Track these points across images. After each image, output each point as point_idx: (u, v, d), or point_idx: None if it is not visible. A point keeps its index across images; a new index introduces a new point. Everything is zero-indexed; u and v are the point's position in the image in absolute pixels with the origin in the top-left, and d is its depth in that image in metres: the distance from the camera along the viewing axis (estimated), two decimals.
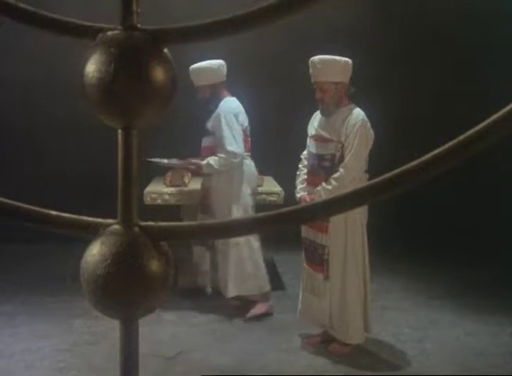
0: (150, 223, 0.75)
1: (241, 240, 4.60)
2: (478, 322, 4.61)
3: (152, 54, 0.71)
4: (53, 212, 0.77)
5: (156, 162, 5.03)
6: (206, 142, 4.81)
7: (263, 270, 4.73)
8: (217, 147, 4.66)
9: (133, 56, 0.70)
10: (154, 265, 0.73)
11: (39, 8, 0.74)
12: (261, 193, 5.07)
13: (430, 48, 6.70)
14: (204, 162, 4.67)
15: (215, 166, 4.63)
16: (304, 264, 4.17)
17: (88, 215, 0.78)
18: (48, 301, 4.98)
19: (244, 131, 4.73)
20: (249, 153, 4.80)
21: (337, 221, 3.84)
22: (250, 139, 4.83)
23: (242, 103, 4.79)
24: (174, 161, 5.09)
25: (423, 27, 6.63)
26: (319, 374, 3.82)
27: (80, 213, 0.78)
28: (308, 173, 4.13)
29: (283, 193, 5.04)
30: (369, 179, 3.82)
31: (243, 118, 4.74)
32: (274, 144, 5.89)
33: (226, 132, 4.62)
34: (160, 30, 0.72)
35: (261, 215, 0.74)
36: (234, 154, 4.60)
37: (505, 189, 6.30)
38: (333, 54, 4.00)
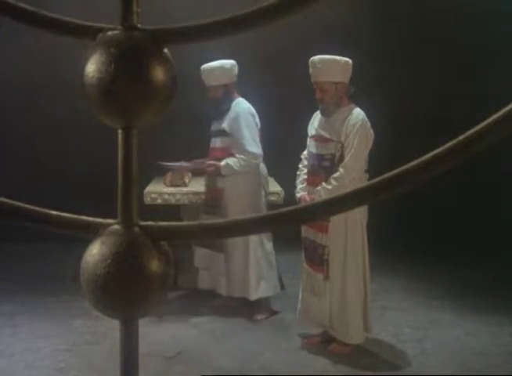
0: (150, 223, 0.75)
1: (256, 241, 4.59)
2: (478, 322, 4.61)
3: (152, 54, 0.71)
4: (53, 212, 0.77)
5: (171, 165, 4.99)
6: (219, 143, 4.72)
7: (275, 271, 4.76)
8: (233, 148, 4.61)
9: (133, 56, 0.70)
10: (154, 265, 0.73)
11: (39, 8, 0.74)
12: None
13: (430, 48, 6.70)
14: (223, 163, 4.59)
15: (235, 167, 4.57)
16: (304, 264, 4.17)
17: (88, 215, 0.78)
18: (48, 301, 4.98)
19: (259, 131, 4.72)
20: None
21: (337, 221, 3.84)
22: None
23: None
24: (185, 164, 5.01)
25: (423, 27, 6.63)
26: (319, 374, 3.82)
27: (80, 213, 0.78)
28: (308, 173, 4.13)
29: (283, 193, 5.04)
30: (369, 179, 3.82)
31: (257, 119, 4.72)
32: (274, 144, 5.89)
33: (246, 133, 4.59)
34: (160, 30, 0.72)
35: (261, 215, 0.74)
36: (255, 155, 4.58)
37: (505, 189, 6.30)
38: (333, 54, 4.00)
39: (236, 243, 4.62)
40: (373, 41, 6.48)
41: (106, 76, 0.69)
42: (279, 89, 5.91)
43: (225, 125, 4.66)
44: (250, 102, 4.77)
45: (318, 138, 4.08)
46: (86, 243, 0.75)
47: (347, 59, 3.98)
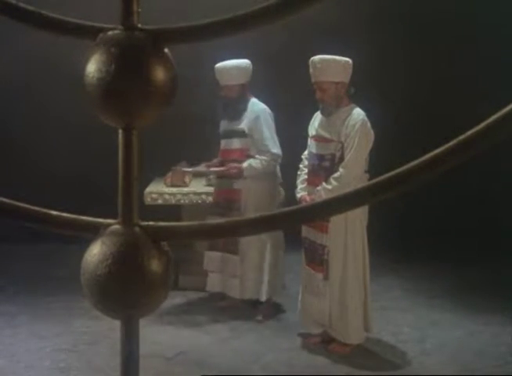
0: (151, 223, 0.75)
1: (271, 243, 4.59)
2: (479, 322, 4.60)
3: (152, 54, 0.71)
4: (53, 212, 0.77)
5: (192, 170, 4.91)
6: (237, 144, 4.62)
7: (281, 272, 4.79)
8: (251, 149, 4.56)
9: (133, 56, 0.71)
10: (154, 265, 0.73)
11: (39, 8, 0.74)
12: None
13: (430, 48, 6.70)
14: (245, 165, 4.52)
15: (258, 169, 4.52)
16: (304, 264, 4.17)
17: (88, 215, 0.78)
18: (48, 301, 4.98)
19: None
20: None
21: (337, 221, 3.84)
22: None
23: None
24: (200, 167, 4.89)
25: (424, 26, 6.63)
26: (319, 374, 3.82)
27: (80, 213, 0.78)
28: (309, 173, 4.13)
29: (283, 192, 5.04)
30: (369, 179, 3.82)
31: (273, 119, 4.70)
32: None
33: (267, 134, 4.56)
34: (160, 30, 0.72)
35: (261, 215, 0.74)
36: (277, 156, 4.55)
37: (505, 188, 6.30)
38: (334, 54, 4.00)
39: (251, 245, 4.58)
40: (373, 41, 6.48)
41: (106, 76, 0.70)
42: (280, 90, 5.91)
43: (243, 126, 4.57)
44: None
45: (318, 138, 4.08)
46: (86, 243, 0.75)
47: (347, 59, 3.99)
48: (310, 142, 4.19)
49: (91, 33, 0.72)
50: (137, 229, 0.74)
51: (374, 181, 0.65)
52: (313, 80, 4.01)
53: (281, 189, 5.04)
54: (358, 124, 3.90)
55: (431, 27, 6.61)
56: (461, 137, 0.60)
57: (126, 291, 0.73)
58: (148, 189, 5.12)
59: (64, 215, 0.77)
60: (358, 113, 3.96)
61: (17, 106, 6.69)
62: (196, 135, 6.27)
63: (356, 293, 3.96)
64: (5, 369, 3.85)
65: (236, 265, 4.65)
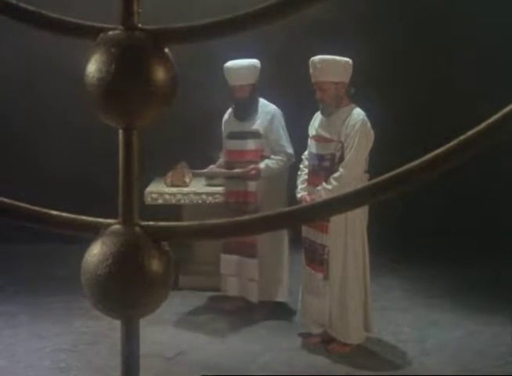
0: (151, 223, 0.75)
1: (286, 245, 4.59)
2: (479, 322, 4.60)
3: (152, 54, 0.71)
4: (53, 212, 0.77)
5: (210, 173, 4.81)
6: (252, 145, 4.56)
7: None
8: (265, 150, 4.53)
9: (134, 56, 0.71)
10: (155, 265, 0.73)
11: (39, 8, 0.74)
12: None
13: (431, 47, 6.70)
14: (262, 166, 4.48)
15: (275, 169, 4.50)
16: (305, 264, 4.17)
17: (88, 215, 0.78)
18: (48, 301, 4.98)
19: None
20: None
21: (337, 221, 3.84)
22: None
23: None
24: (219, 170, 4.77)
25: (424, 26, 6.63)
26: (319, 374, 3.82)
27: (80, 213, 0.78)
28: (309, 173, 4.14)
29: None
30: (369, 179, 3.82)
31: None
32: None
33: (282, 135, 4.55)
34: (160, 30, 0.72)
35: (261, 215, 0.74)
36: (292, 156, 4.53)
37: (505, 188, 6.30)
38: (334, 54, 4.00)
39: (270, 247, 4.57)
40: (373, 41, 6.48)
41: (106, 76, 0.70)
42: (280, 90, 5.90)
43: (257, 127, 4.54)
44: None
45: (318, 138, 4.09)
46: (87, 243, 0.75)
47: (347, 59, 3.99)
48: (310, 142, 4.19)
49: (92, 33, 0.72)
50: (137, 229, 0.74)
51: (374, 181, 0.65)
52: (313, 80, 4.02)
53: None
54: (358, 124, 3.90)
55: (431, 27, 6.61)
56: (461, 137, 0.60)
57: (126, 291, 0.73)
58: (148, 189, 5.11)
59: (64, 215, 0.77)
60: (358, 113, 3.96)
61: (18, 106, 6.69)
62: (196, 136, 6.27)
63: (356, 293, 3.96)
64: (5, 369, 3.85)
65: (253, 269, 4.59)
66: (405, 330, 4.50)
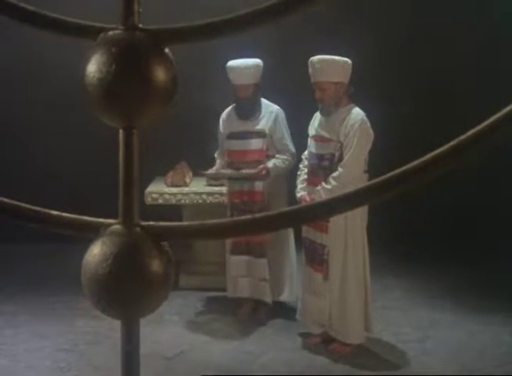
0: (151, 223, 0.75)
1: (292, 245, 4.59)
2: (479, 322, 4.60)
3: (153, 54, 0.71)
4: (53, 212, 0.77)
5: (221, 174, 4.68)
6: (258, 144, 4.53)
7: None
8: (269, 149, 4.53)
9: (134, 56, 0.71)
10: (155, 265, 0.73)
11: (40, 8, 0.74)
12: None
13: (430, 47, 6.70)
14: (271, 166, 4.46)
15: (282, 168, 4.49)
16: (305, 264, 4.18)
17: (88, 215, 0.78)
18: (49, 301, 4.98)
19: None
20: None
21: (336, 220, 3.84)
22: None
23: None
24: (228, 171, 4.64)
25: (424, 25, 6.63)
26: (319, 374, 3.82)
27: (80, 213, 0.78)
28: (309, 173, 4.14)
29: None
30: (369, 179, 3.82)
31: None
32: None
33: (286, 134, 4.55)
34: (160, 30, 0.72)
35: (261, 215, 0.74)
36: (295, 155, 4.53)
37: (505, 188, 6.30)
38: (334, 54, 4.00)
39: (278, 246, 4.57)
40: (373, 41, 6.48)
41: (107, 76, 0.70)
42: (280, 89, 5.90)
43: (263, 126, 4.53)
44: None
45: (318, 138, 4.09)
46: (87, 243, 0.75)
47: (346, 59, 3.99)
48: (310, 142, 4.19)
49: (92, 33, 0.72)
50: (137, 229, 0.74)
51: (374, 181, 0.65)
52: (312, 80, 4.02)
53: None
54: (357, 123, 3.91)
55: (431, 27, 6.61)
56: (461, 137, 0.60)
57: (127, 291, 0.73)
58: (148, 189, 5.11)
59: (65, 215, 0.77)
60: (357, 112, 3.97)
61: (18, 106, 6.69)
62: (197, 136, 6.26)
63: (356, 293, 3.96)
64: (6, 368, 3.85)
65: (264, 269, 4.56)
66: (406, 330, 4.50)
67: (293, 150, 4.55)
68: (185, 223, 0.79)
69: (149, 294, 0.74)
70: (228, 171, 4.64)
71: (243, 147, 4.57)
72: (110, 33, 0.71)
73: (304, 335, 4.30)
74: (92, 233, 0.75)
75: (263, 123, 4.55)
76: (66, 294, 4.92)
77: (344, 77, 3.98)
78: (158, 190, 5.12)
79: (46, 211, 0.76)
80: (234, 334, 4.41)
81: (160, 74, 0.71)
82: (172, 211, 5.00)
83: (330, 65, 3.95)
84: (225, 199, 4.86)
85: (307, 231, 4.09)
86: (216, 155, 4.82)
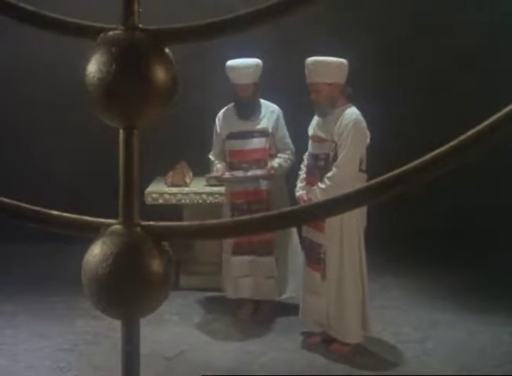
0: (151, 223, 0.75)
1: (298, 242, 4.58)
2: (479, 322, 4.60)
3: (153, 54, 0.71)
4: (54, 212, 0.77)
5: (232, 178, 4.54)
6: (261, 143, 4.53)
7: None
8: (271, 148, 4.54)
9: (134, 56, 0.71)
10: (155, 265, 0.73)
11: (39, 8, 0.74)
12: None
13: (430, 47, 6.70)
14: (276, 165, 4.48)
15: (285, 166, 4.51)
16: (305, 263, 4.18)
17: (88, 215, 0.78)
18: (49, 301, 4.98)
19: None
20: None
21: (332, 220, 3.82)
22: None
23: None
24: (239, 173, 4.56)
25: (423, 25, 6.63)
26: (319, 373, 3.82)
27: (80, 213, 0.78)
28: (307, 173, 4.17)
29: None
30: (368, 179, 3.82)
31: None
32: None
33: (286, 132, 4.59)
34: (160, 30, 0.72)
35: (261, 215, 0.74)
36: (294, 153, 4.56)
37: (505, 188, 6.30)
38: (333, 54, 4.00)
39: (285, 244, 4.58)
40: (373, 42, 6.48)
41: (107, 76, 0.70)
42: (280, 90, 5.90)
43: (265, 125, 4.54)
44: None
45: (315, 138, 4.12)
46: (87, 243, 0.75)
47: (341, 60, 3.99)
48: (310, 142, 4.22)
49: (92, 33, 0.72)
50: (137, 229, 0.74)
51: (374, 181, 0.65)
52: (308, 81, 4.04)
53: None
54: (350, 123, 3.92)
55: (431, 27, 6.61)
56: (461, 137, 0.60)
57: (127, 291, 0.73)
58: (149, 189, 5.12)
59: (65, 215, 0.77)
60: (351, 112, 3.97)
61: (17, 106, 6.69)
62: (197, 136, 6.26)
63: (353, 292, 3.96)
64: (6, 368, 3.85)
65: (271, 266, 4.55)
66: (406, 330, 4.50)
67: (293, 148, 4.58)
68: (185, 223, 0.80)
69: (149, 294, 0.74)
70: (240, 174, 4.55)
71: (245, 147, 4.57)
72: (110, 33, 0.71)
73: (305, 335, 4.31)
74: (92, 233, 0.75)
75: (264, 122, 4.56)
76: (66, 294, 4.92)
77: (340, 77, 3.98)
78: (158, 190, 5.12)
79: (46, 211, 0.76)
80: (234, 334, 4.41)
81: (160, 74, 0.71)
82: (172, 211, 5.00)
83: (324, 66, 3.96)
84: (224, 199, 4.85)
85: (307, 231, 4.11)
86: (211, 156, 4.72)
